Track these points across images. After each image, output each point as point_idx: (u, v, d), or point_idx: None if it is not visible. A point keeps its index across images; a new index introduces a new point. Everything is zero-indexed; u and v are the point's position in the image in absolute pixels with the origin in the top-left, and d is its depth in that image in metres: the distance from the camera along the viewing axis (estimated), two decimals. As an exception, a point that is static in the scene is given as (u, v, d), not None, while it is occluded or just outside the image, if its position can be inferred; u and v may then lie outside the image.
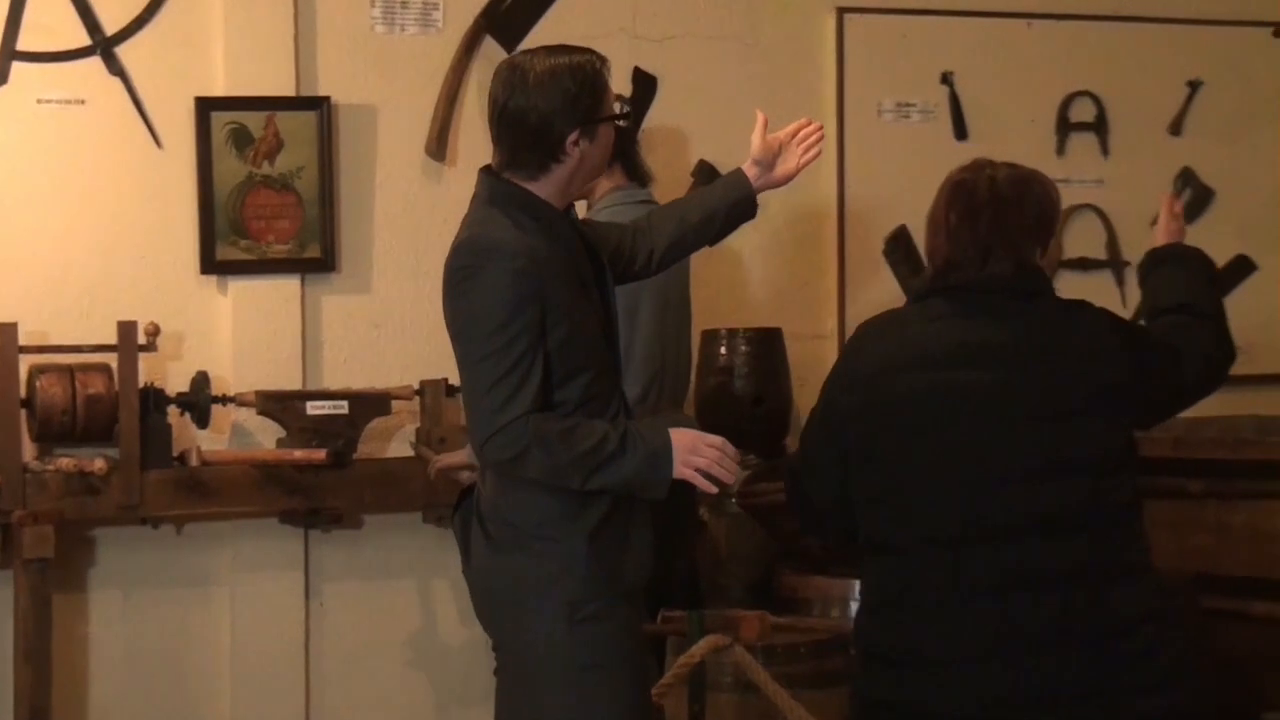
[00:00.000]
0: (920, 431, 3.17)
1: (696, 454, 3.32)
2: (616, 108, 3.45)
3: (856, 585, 4.84)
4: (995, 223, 3.18)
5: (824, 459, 3.31)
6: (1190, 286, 3.39)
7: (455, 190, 5.37)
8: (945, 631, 3.12)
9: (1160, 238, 3.50)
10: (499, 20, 5.38)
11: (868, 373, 3.25)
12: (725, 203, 3.70)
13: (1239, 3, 5.94)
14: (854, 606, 4.86)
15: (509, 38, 5.38)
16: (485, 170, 3.48)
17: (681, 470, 3.33)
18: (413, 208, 5.35)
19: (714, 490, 3.40)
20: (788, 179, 3.72)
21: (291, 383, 5.15)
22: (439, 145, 5.31)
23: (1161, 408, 3.32)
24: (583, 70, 3.36)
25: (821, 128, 3.74)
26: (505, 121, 3.37)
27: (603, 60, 3.40)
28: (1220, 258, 5.92)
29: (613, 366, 3.47)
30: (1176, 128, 5.99)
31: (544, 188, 3.40)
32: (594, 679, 3.35)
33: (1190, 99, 5.97)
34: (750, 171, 3.71)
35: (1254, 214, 6.05)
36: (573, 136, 3.35)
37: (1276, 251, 6.08)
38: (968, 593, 3.11)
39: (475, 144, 5.36)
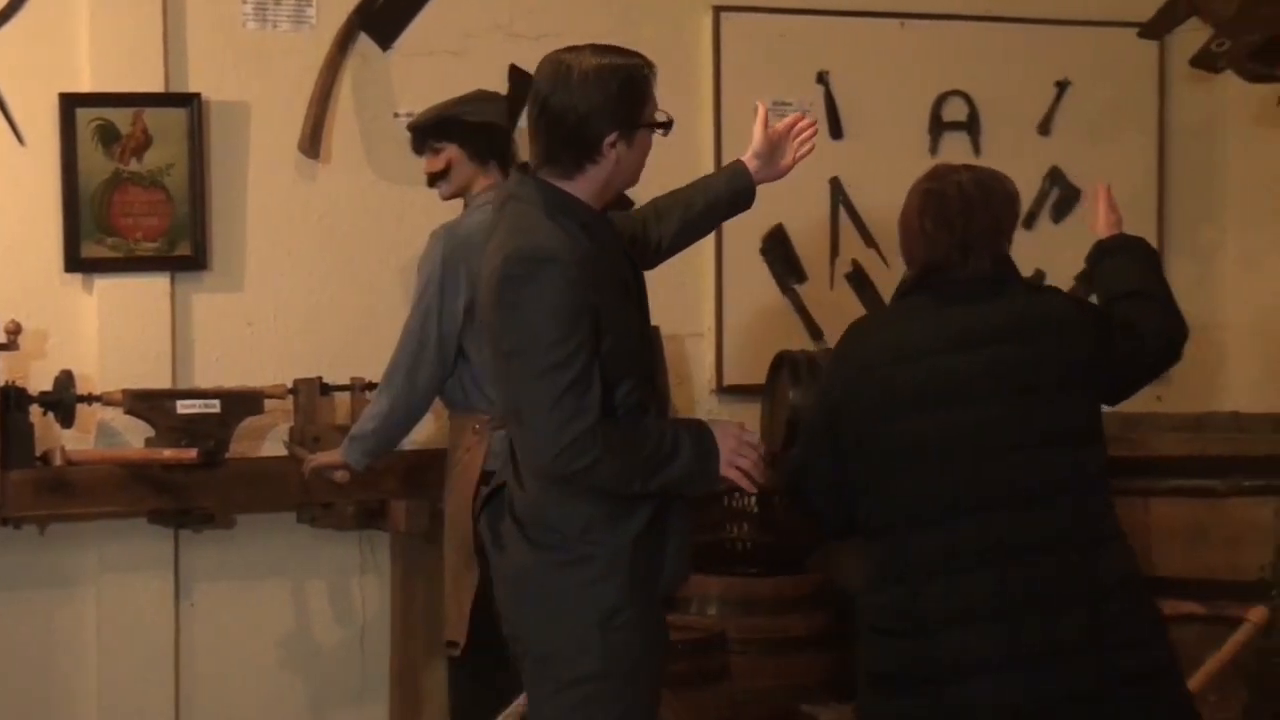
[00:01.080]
0: (911, 416, 3.38)
1: (740, 454, 3.35)
2: (660, 116, 3.42)
3: (736, 583, 4.88)
4: (969, 224, 3.43)
5: (818, 453, 3.50)
6: (1141, 273, 3.64)
7: (329, 187, 5.33)
8: (947, 600, 3.32)
9: (1102, 230, 3.72)
10: (373, 17, 5.34)
11: (856, 368, 3.46)
12: (727, 193, 3.75)
13: (1105, 4, 6.01)
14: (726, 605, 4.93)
15: (383, 35, 5.34)
16: (521, 168, 3.46)
17: (726, 470, 3.35)
18: (287, 205, 5.29)
19: (754, 490, 3.44)
20: (785, 171, 3.79)
21: (161, 381, 5.08)
22: (312, 142, 5.26)
23: (1127, 384, 3.58)
24: (627, 73, 3.34)
25: (815, 123, 3.81)
26: (546, 117, 3.33)
27: (650, 66, 3.39)
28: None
29: (650, 372, 3.48)
30: (1045, 127, 6.06)
31: (580, 188, 3.36)
32: (622, 688, 3.35)
33: (1058, 99, 6.05)
34: (751, 164, 3.75)
35: (1121, 213, 6.14)
36: (610, 138, 3.33)
37: (1143, 250, 6.18)
38: (966, 562, 3.32)
39: (349, 141, 5.33)
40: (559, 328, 3.22)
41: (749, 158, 3.76)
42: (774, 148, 3.75)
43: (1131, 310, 3.54)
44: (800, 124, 3.78)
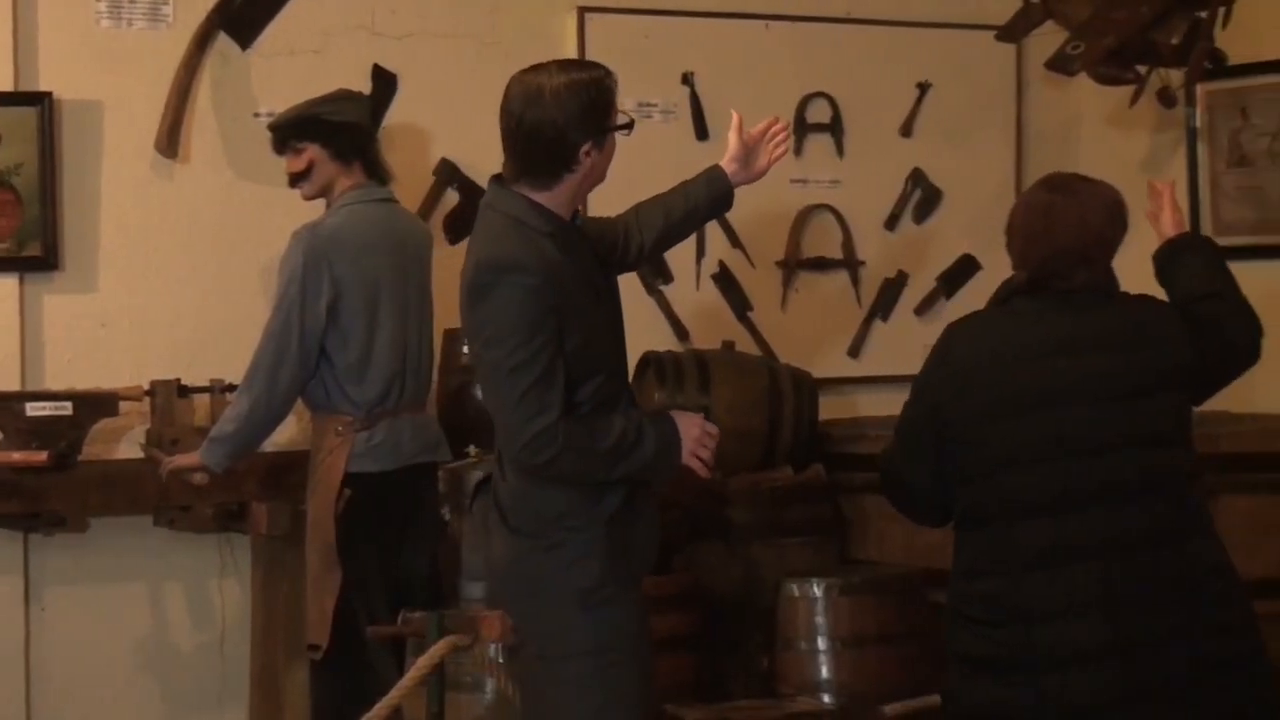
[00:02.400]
0: (1022, 412, 3.52)
1: (702, 444, 3.61)
2: (621, 118, 3.62)
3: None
4: (1091, 236, 3.60)
5: (922, 446, 3.62)
6: (1213, 274, 3.75)
7: (187, 187, 5.28)
8: (1050, 591, 3.45)
9: (1169, 228, 3.84)
10: (232, 16, 5.29)
11: (967, 367, 3.60)
12: (706, 198, 3.90)
13: (964, 6, 6.08)
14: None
15: (243, 33, 5.30)
16: (496, 180, 3.65)
17: (688, 459, 3.60)
18: (143, 205, 5.23)
19: (709, 477, 3.70)
20: (761, 174, 3.95)
21: (9, 383, 5.02)
22: (170, 142, 5.20)
23: (1216, 384, 3.71)
24: (597, 85, 3.55)
25: (788, 126, 4.02)
26: (522, 134, 3.54)
27: (612, 75, 3.60)
28: (947, 258, 6.20)
29: (622, 368, 3.71)
30: (907, 129, 6.13)
31: (555, 197, 3.57)
32: (608, 661, 3.55)
33: (920, 101, 6.12)
34: (729, 168, 3.90)
35: (981, 214, 6.20)
36: (586, 147, 3.54)
37: (1001, 252, 6.18)
38: (1068, 555, 3.46)
39: (208, 141, 5.28)
40: (521, 331, 3.46)
41: (726, 162, 3.91)
42: (749, 152, 3.92)
43: (1214, 312, 3.68)
44: (774, 128, 3.92)
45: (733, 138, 3.90)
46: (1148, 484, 3.52)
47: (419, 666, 4.17)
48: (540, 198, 3.57)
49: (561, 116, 3.50)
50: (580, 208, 3.75)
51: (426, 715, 4.23)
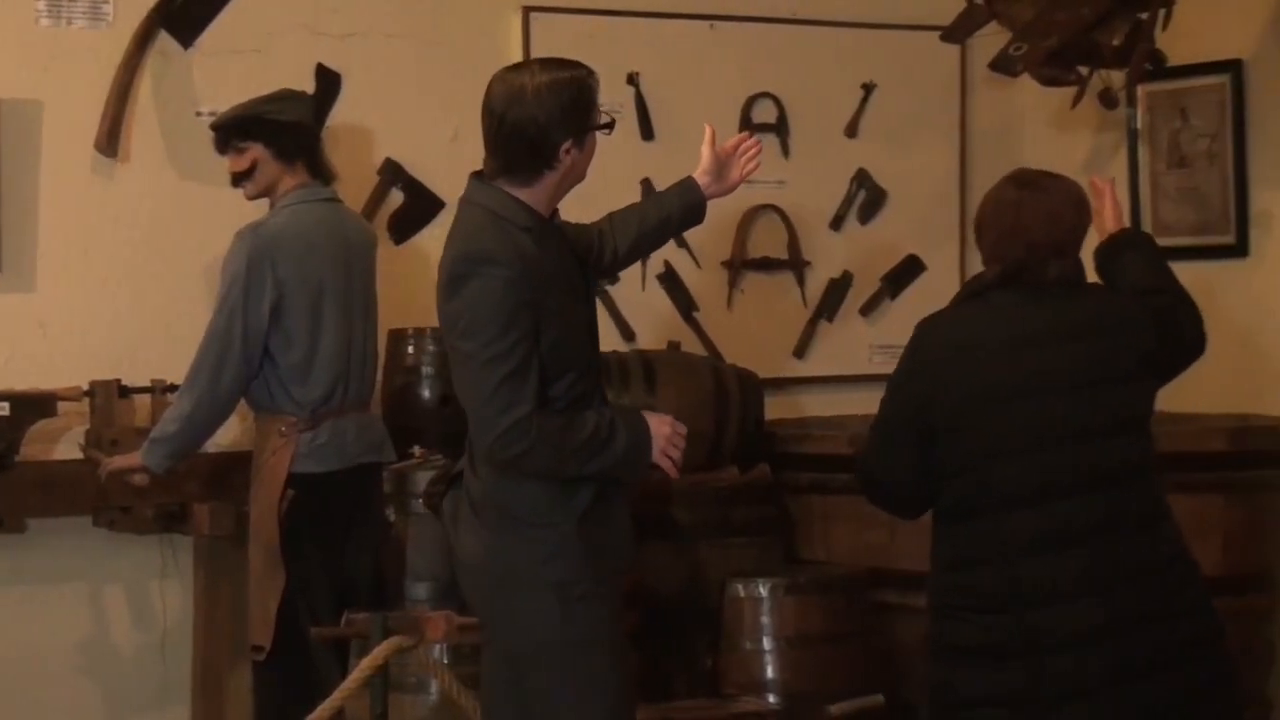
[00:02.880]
0: (1004, 403, 3.59)
1: (673, 443, 3.65)
2: (602, 118, 3.66)
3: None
4: (1064, 228, 3.68)
5: (902, 440, 3.66)
6: (1156, 269, 3.87)
7: (128, 187, 5.24)
8: (1044, 576, 3.53)
9: (1110, 225, 3.92)
10: (174, 15, 5.25)
11: (947, 359, 3.63)
12: (679, 209, 3.96)
13: (909, 7, 6.10)
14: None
15: (184, 32, 5.27)
16: (476, 177, 3.68)
17: (659, 458, 3.65)
18: (83, 205, 5.19)
19: (677, 476, 3.73)
20: (734, 188, 4.00)
21: (-53, 384, 4.99)
22: (110, 141, 5.17)
23: (1172, 371, 3.81)
24: (579, 84, 3.60)
25: (759, 141, 4.02)
26: (504, 132, 3.58)
27: (593, 74, 3.65)
28: (892, 258, 6.23)
29: (595, 367, 3.73)
30: (852, 130, 6.14)
31: (535, 194, 3.62)
32: (586, 655, 3.58)
33: (865, 101, 6.14)
34: (702, 180, 3.96)
35: (925, 215, 6.25)
36: (566, 145, 3.58)
37: (945, 252, 6.29)
38: (1057, 540, 3.54)
39: (149, 140, 5.25)
40: (496, 323, 3.49)
41: (699, 174, 3.96)
42: (722, 165, 3.96)
43: (1163, 304, 3.77)
44: (746, 144, 3.97)
45: (706, 151, 3.94)
46: (1124, 470, 3.61)
47: (362, 667, 4.17)
48: (520, 194, 3.60)
49: (543, 115, 3.55)
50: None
51: (370, 716, 4.23)
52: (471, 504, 3.67)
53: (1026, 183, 3.74)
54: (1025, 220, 3.65)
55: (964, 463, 3.60)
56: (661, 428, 3.64)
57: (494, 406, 3.49)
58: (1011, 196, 3.70)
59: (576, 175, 3.67)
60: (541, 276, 3.55)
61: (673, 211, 3.94)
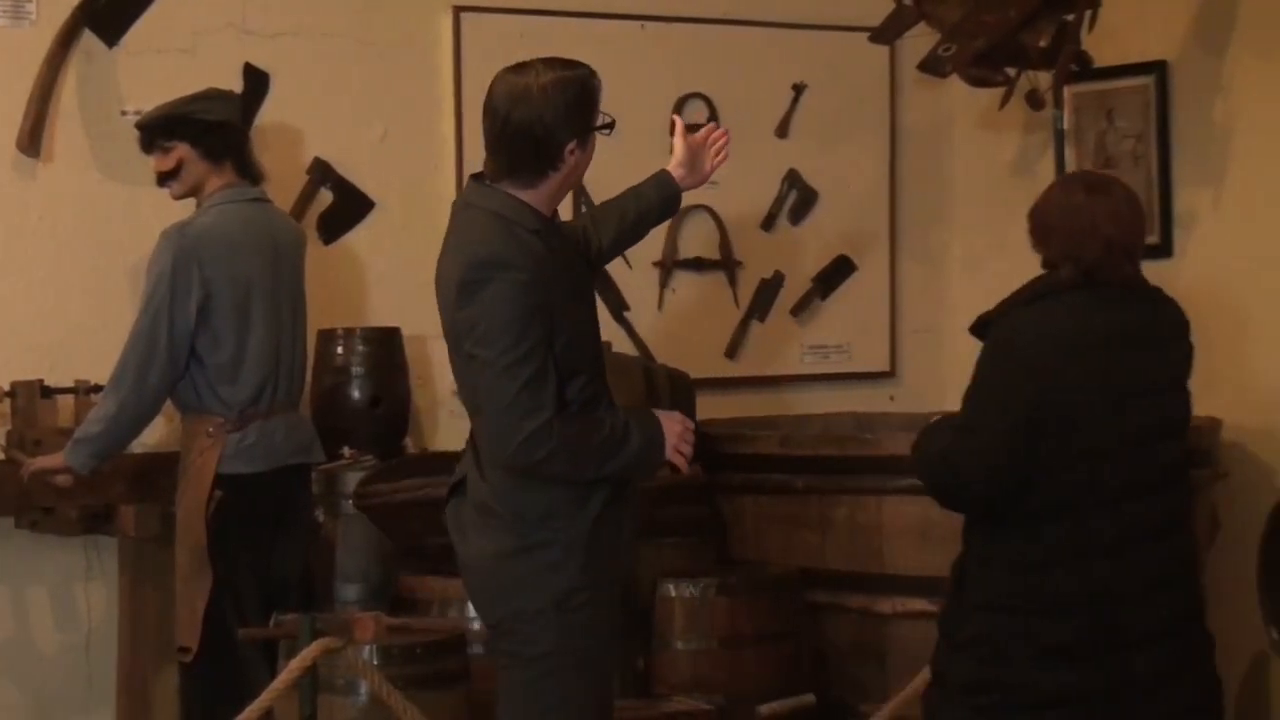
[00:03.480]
0: (1105, 401, 3.60)
1: (685, 440, 3.68)
2: (603, 119, 3.66)
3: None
4: (1137, 233, 3.75)
5: (1005, 438, 3.58)
6: None
7: (51, 186, 5.20)
8: (1124, 574, 3.59)
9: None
10: (98, 13, 5.21)
11: (1052, 355, 3.60)
12: (658, 201, 3.97)
13: (839, 8, 6.12)
14: (472, 607, 4.89)
15: (109, 32, 5.23)
16: (475, 179, 3.68)
17: (672, 455, 3.67)
18: (5, 204, 5.15)
19: (687, 473, 3.81)
20: (706, 179, 4.03)
21: None
22: (32, 141, 5.13)
23: None
24: (583, 83, 3.59)
25: (728, 132, 4.01)
26: (509, 133, 3.57)
27: (596, 74, 3.64)
28: (823, 258, 6.25)
29: (602, 367, 3.72)
30: (783, 130, 6.17)
31: (538, 196, 3.61)
32: (572, 663, 3.61)
33: (795, 102, 6.16)
34: (676, 173, 3.97)
35: (855, 215, 6.28)
36: (571, 145, 3.58)
37: (875, 253, 6.32)
38: (1135, 539, 3.60)
39: (73, 140, 5.21)
40: (514, 328, 3.48)
41: (673, 166, 3.97)
42: (694, 156, 3.97)
43: None
44: (714, 135, 3.98)
45: (678, 143, 3.96)
46: (1178, 472, 3.72)
47: (291, 669, 4.15)
48: (525, 196, 3.59)
49: (550, 115, 3.54)
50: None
51: (299, 717, 4.21)
52: (477, 509, 3.66)
53: (1094, 185, 3.77)
54: (1099, 222, 3.67)
55: (1078, 458, 3.58)
56: (673, 425, 3.67)
57: (515, 413, 3.49)
58: (1081, 198, 3.72)
59: (577, 176, 3.67)
60: (552, 279, 3.56)
61: (651, 205, 3.95)
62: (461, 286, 3.53)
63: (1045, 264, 3.75)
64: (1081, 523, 3.58)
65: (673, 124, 4.02)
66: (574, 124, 3.57)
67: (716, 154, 3.98)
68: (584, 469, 3.58)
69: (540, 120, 3.54)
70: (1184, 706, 3.65)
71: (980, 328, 3.74)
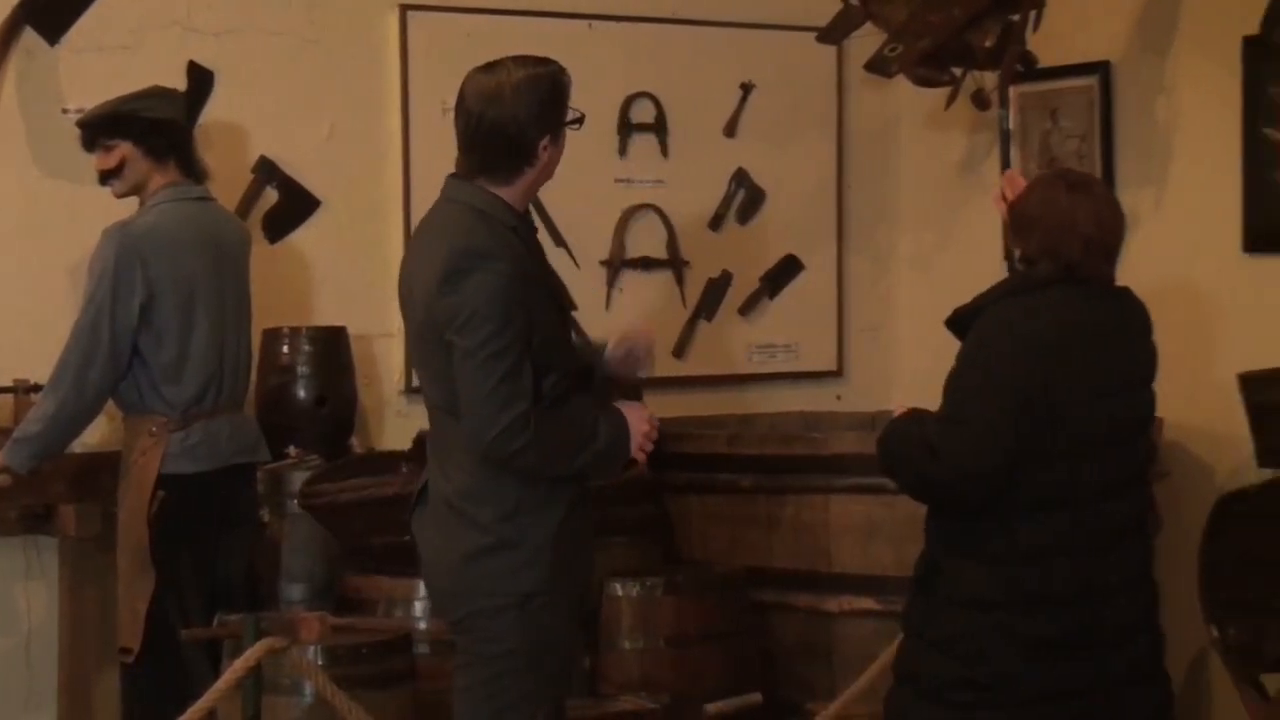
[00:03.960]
0: (1101, 396, 3.61)
1: (650, 437, 3.70)
2: (572, 114, 3.71)
3: (421, 585, 4.84)
4: (1118, 232, 3.77)
5: (1005, 428, 3.54)
6: None
7: (-10, 185, 5.17)
8: (1110, 569, 3.60)
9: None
10: (39, 11, 5.18)
11: (1048, 346, 3.59)
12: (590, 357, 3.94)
13: (786, 8, 6.13)
14: (418, 606, 4.89)
15: (50, 29, 5.20)
16: (454, 177, 3.70)
17: (636, 452, 3.68)
18: (-56, 203, 5.13)
19: (643, 472, 3.82)
20: (631, 382, 4.08)
21: None
22: (-27, 139, 5.11)
23: None
24: (554, 80, 3.65)
25: (652, 339, 3.95)
26: (483, 131, 3.61)
27: (565, 70, 3.70)
28: (771, 258, 6.26)
29: (572, 365, 3.74)
30: (731, 129, 6.17)
31: (513, 192, 3.65)
32: (530, 662, 3.63)
33: (743, 101, 6.17)
34: (609, 362, 3.94)
35: (803, 215, 6.29)
36: (544, 142, 3.63)
37: (823, 252, 6.34)
38: (1119, 534, 3.63)
39: (13, 138, 5.17)
40: (496, 318, 3.52)
41: (607, 354, 3.93)
42: (627, 355, 3.92)
43: None
44: (641, 349, 3.92)
45: (612, 346, 3.92)
46: (1144, 470, 3.77)
47: (234, 669, 4.12)
48: (501, 192, 3.63)
49: (522, 112, 3.58)
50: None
51: (243, 718, 4.18)
52: (442, 508, 3.68)
53: (1076, 184, 3.78)
54: (1079, 220, 3.68)
55: (1063, 453, 3.58)
56: (640, 423, 3.68)
57: (495, 402, 3.51)
58: (1064, 196, 3.72)
59: (549, 172, 3.70)
60: (529, 275, 3.60)
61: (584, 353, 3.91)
62: (446, 276, 3.55)
63: (1023, 259, 3.75)
64: (1066, 518, 3.57)
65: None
66: (546, 121, 3.62)
67: (633, 365, 3.90)
68: (557, 463, 3.61)
69: (514, 118, 3.59)
70: (1153, 706, 3.66)
71: (958, 321, 3.71)
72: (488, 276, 3.52)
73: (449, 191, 3.70)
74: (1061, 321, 3.62)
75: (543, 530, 3.63)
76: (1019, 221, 3.76)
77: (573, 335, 3.88)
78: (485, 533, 3.62)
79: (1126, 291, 3.79)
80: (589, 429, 3.63)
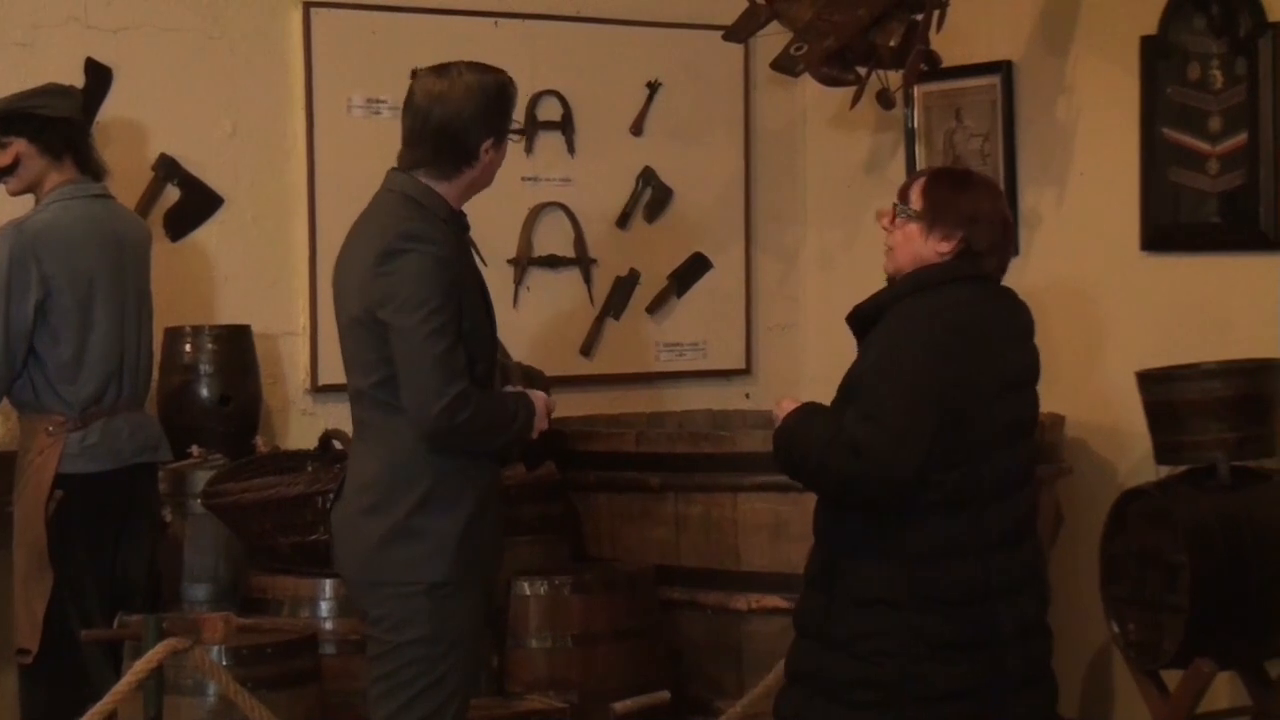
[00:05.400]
0: (1004, 393, 3.62)
1: (547, 421, 3.86)
2: (513, 124, 3.85)
3: (327, 584, 4.81)
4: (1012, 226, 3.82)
5: (925, 424, 3.50)
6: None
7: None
8: (1009, 568, 3.59)
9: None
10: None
11: (964, 341, 3.58)
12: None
13: (693, 6, 6.15)
14: (324, 606, 4.86)
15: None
16: (394, 170, 3.81)
17: (535, 435, 3.83)
18: None
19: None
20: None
21: None
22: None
23: None
24: (501, 87, 3.78)
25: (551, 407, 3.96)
26: (431, 127, 3.73)
27: (513, 81, 3.83)
28: (678, 256, 6.28)
29: (494, 364, 3.84)
30: (638, 128, 6.17)
31: (451, 189, 3.77)
32: (440, 651, 3.70)
33: (650, 100, 6.17)
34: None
35: (710, 213, 6.30)
36: (486, 144, 3.75)
37: (731, 250, 6.35)
38: (1013, 535, 3.62)
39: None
40: (435, 297, 3.62)
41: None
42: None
43: None
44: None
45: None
46: (1034, 469, 3.78)
47: (135, 670, 4.08)
48: (438, 187, 3.75)
49: (468, 111, 3.71)
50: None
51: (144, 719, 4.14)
52: (356, 496, 3.77)
53: (991, 182, 3.84)
54: (1006, 215, 3.72)
55: (968, 451, 3.55)
56: (541, 406, 3.85)
57: (439, 376, 3.60)
58: (995, 189, 3.78)
59: (487, 178, 3.82)
60: (461, 263, 3.73)
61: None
62: (380, 257, 3.65)
63: (962, 254, 3.64)
64: (978, 514, 3.57)
65: None
66: (490, 124, 3.75)
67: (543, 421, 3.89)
68: (488, 437, 3.72)
69: (459, 115, 3.71)
70: (1044, 704, 3.67)
71: (860, 319, 3.68)
72: (423, 258, 3.62)
73: (388, 182, 3.80)
74: (968, 319, 3.61)
75: (452, 521, 3.70)
76: (972, 216, 3.65)
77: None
78: (395, 522, 3.70)
79: (1012, 291, 3.77)
80: (511, 409, 3.77)
